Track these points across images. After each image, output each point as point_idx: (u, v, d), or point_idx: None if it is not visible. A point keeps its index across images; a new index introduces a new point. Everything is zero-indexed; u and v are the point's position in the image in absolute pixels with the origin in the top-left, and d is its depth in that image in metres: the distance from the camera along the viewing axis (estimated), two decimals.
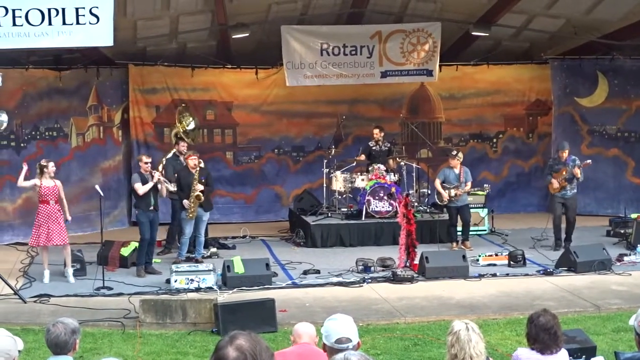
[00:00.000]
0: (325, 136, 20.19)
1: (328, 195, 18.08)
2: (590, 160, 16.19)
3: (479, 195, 17.83)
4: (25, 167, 14.09)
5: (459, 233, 16.58)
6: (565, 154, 15.98)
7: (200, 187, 15.04)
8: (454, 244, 16.33)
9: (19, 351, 5.53)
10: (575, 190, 16.10)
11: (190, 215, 15.08)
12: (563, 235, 16.19)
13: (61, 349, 6.00)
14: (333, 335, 5.41)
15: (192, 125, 17.43)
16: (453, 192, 16.24)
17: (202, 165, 15.38)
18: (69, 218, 14.20)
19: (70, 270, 13.97)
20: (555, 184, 15.94)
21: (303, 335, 6.41)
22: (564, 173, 15.83)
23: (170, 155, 16.47)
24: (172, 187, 14.93)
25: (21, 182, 14.08)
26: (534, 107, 21.27)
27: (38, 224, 13.78)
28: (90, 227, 18.24)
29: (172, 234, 16.39)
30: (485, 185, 17.18)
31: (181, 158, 15.99)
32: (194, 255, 15.38)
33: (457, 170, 16.44)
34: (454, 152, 16.68)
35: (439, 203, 16.85)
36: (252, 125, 20.32)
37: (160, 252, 16.02)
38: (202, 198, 15.06)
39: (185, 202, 15.08)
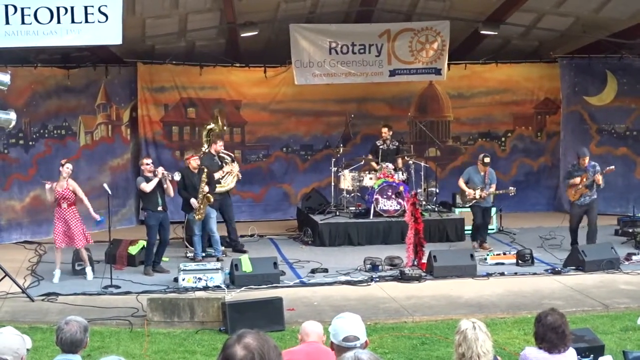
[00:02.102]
0: (334, 135, 20.17)
1: (336, 194, 18.08)
2: (613, 167, 15.92)
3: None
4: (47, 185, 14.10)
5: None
6: (586, 161, 15.57)
7: (207, 188, 15.17)
8: (475, 244, 16.15)
9: (27, 350, 5.54)
10: (595, 197, 15.71)
11: (199, 216, 15.16)
12: (582, 240, 15.81)
13: (76, 346, 6.04)
14: (341, 333, 5.40)
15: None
16: (478, 194, 16.08)
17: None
18: (97, 217, 14.28)
19: (89, 269, 14.06)
20: (577, 180, 15.57)
21: (311, 334, 6.41)
22: (584, 180, 15.52)
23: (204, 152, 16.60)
24: (177, 176, 14.91)
25: (49, 197, 14.08)
26: (543, 105, 21.23)
27: (55, 225, 13.88)
28: (98, 226, 18.24)
29: (233, 232, 16.68)
30: (510, 187, 16.75)
31: (216, 157, 16.21)
32: (215, 255, 15.44)
33: (482, 173, 16.28)
34: (487, 160, 16.26)
35: (462, 204, 16.70)
36: (261, 124, 20.32)
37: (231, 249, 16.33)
38: (212, 200, 15.15)
39: (193, 201, 15.14)
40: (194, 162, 15.35)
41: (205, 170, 15.36)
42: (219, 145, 16.43)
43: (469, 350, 5.54)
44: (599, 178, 15.39)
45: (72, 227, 13.80)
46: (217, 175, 16.01)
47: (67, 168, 14.01)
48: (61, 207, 13.81)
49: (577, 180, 15.60)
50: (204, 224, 15.41)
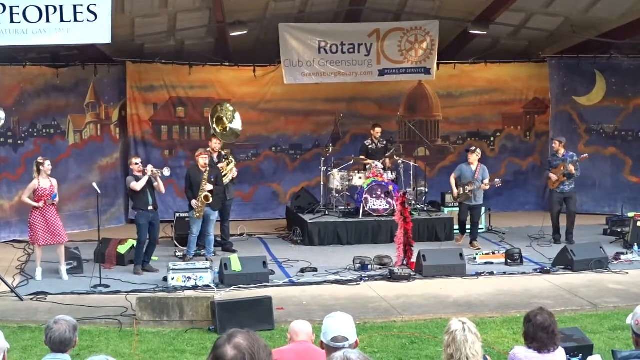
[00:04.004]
0: (323, 134, 20.18)
1: (325, 193, 18.06)
2: (586, 155, 16.49)
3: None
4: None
5: (467, 231, 16.51)
6: (557, 145, 16.24)
7: (209, 187, 15.08)
8: (460, 237, 16.20)
9: (7, 349, 5.55)
10: (573, 186, 16.21)
11: (198, 215, 15.10)
12: (562, 230, 16.24)
13: (65, 346, 6.03)
14: (330, 333, 5.41)
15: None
16: (468, 188, 16.13)
17: (230, 164, 15.63)
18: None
19: (63, 268, 13.96)
20: (553, 178, 16.07)
21: (300, 333, 6.41)
22: (562, 168, 15.96)
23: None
24: (167, 172, 14.75)
25: (25, 199, 13.93)
26: (532, 105, 21.28)
27: (33, 223, 13.71)
28: (87, 225, 18.22)
29: (226, 231, 16.66)
30: (496, 179, 16.71)
31: (214, 155, 16.09)
32: (204, 254, 15.40)
33: (473, 167, 16.28)
34: (473, 148, 16.49)
35: (453, 201, 16.87)
36: (250, 123, 20.23)
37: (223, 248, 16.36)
38: (211, 199, 15.07)
39: (193, 202, 15.11)
40: (202, 160, 15.26)
41: (208, 169, 15.23)
42: (214, 143, 16.32)
43: (457, 352, 5.52)
44: (572, 168, 15.91)
45: (54, 224, 13.73)
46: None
47: (49, 165, 13.92)
48: (45, 204, 13.74)
49: (554, 175, 16.10)
50: (203, 224, 15.35)
